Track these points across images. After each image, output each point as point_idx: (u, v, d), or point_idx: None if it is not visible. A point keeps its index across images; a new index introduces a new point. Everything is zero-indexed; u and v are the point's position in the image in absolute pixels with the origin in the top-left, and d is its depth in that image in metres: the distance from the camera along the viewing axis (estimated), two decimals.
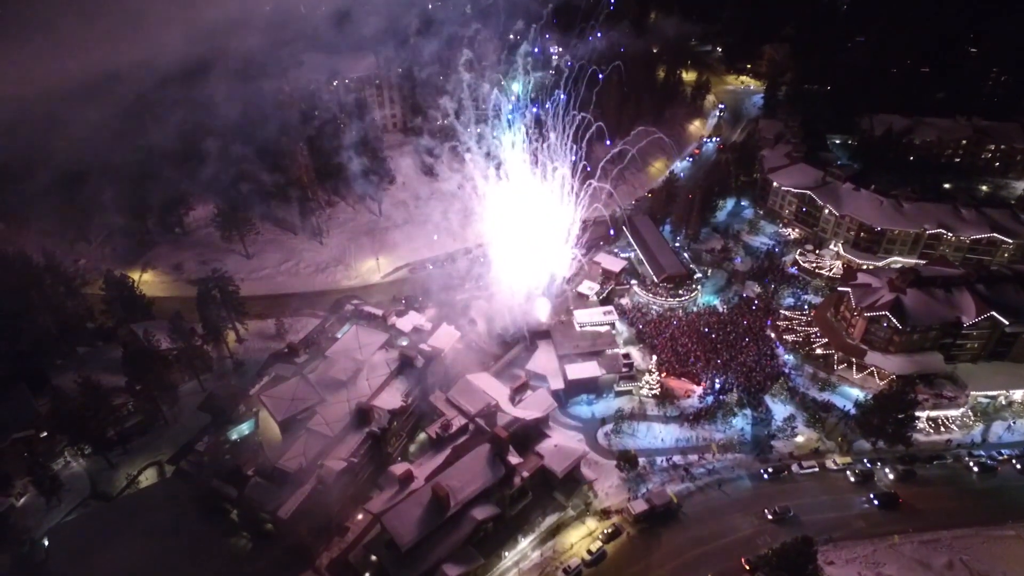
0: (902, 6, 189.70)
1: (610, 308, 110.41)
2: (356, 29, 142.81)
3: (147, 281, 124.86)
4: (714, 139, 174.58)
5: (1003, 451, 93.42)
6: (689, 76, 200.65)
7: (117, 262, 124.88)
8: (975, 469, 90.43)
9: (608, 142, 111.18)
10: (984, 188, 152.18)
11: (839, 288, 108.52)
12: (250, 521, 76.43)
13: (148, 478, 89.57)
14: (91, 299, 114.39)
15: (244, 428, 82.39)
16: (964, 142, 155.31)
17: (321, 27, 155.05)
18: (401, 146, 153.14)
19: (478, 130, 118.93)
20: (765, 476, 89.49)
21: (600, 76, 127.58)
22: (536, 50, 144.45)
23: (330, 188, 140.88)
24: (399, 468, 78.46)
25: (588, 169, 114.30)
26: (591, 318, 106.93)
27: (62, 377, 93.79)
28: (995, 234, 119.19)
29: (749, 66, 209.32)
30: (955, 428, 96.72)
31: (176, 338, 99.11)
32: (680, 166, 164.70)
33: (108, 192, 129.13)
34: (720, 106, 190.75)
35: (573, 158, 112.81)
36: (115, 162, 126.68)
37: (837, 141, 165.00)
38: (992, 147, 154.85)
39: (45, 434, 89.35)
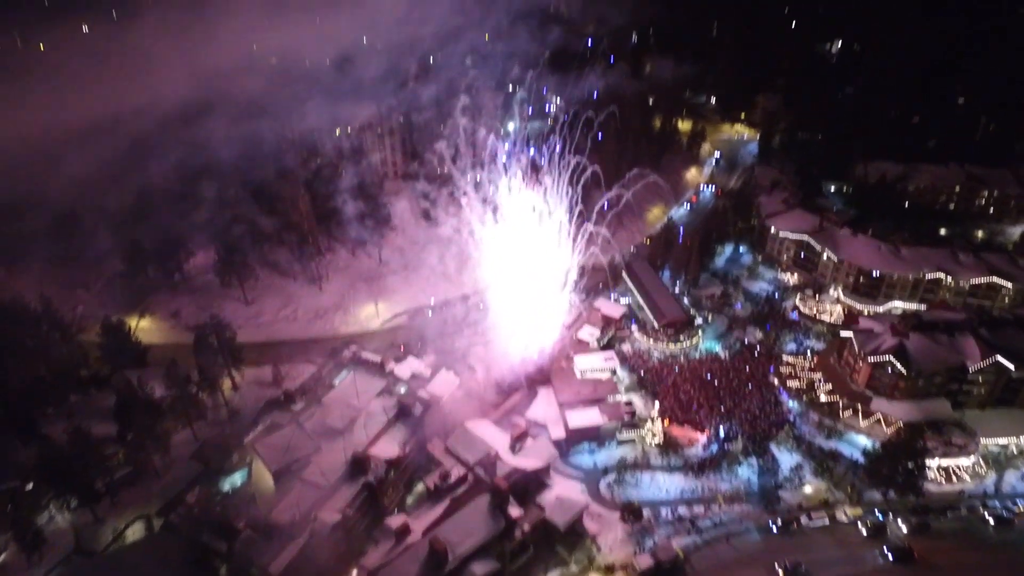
0: (887, 58, 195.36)
1: (611, 354, 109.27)
2: (359, 76, 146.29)
3: (144, 328, 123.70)
4: (711, 186, 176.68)
5: (1018, 501, 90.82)
6: (684, 125, 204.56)
7: (115, 308, 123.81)
8: (991, 521, 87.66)
9: (605, 194, 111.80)
10: (980, 233, 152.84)
11: (842, 333, 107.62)
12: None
13: (135, 532, 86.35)
14: (87, 346, 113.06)
15: (237, 479, 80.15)
16: (958, 188, 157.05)
17: (324, 76, 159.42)
18: (400, 192, 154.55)
19: (476, 176, 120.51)
20: (774, 529, 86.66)
21: (597, 123, 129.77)
22: (530, 107, 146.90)
23: (330, 234, 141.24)
24: (395, 521, 75.97)
25: (584, 214, 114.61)
26: (592, 364, 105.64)
27: (52, 426, 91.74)
28: (994, 278, 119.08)
29: (743, 115, 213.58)
30: (967, 477, 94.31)
31: (170, 385, 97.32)
32: (678, 213, 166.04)
33: (108, 238, 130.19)
34: (716, 154, 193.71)
35: (569, 203, 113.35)
36: (115, 207, 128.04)
37: (832, 188, 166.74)
38: (986, 193, 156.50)
39: (31, 486, 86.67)
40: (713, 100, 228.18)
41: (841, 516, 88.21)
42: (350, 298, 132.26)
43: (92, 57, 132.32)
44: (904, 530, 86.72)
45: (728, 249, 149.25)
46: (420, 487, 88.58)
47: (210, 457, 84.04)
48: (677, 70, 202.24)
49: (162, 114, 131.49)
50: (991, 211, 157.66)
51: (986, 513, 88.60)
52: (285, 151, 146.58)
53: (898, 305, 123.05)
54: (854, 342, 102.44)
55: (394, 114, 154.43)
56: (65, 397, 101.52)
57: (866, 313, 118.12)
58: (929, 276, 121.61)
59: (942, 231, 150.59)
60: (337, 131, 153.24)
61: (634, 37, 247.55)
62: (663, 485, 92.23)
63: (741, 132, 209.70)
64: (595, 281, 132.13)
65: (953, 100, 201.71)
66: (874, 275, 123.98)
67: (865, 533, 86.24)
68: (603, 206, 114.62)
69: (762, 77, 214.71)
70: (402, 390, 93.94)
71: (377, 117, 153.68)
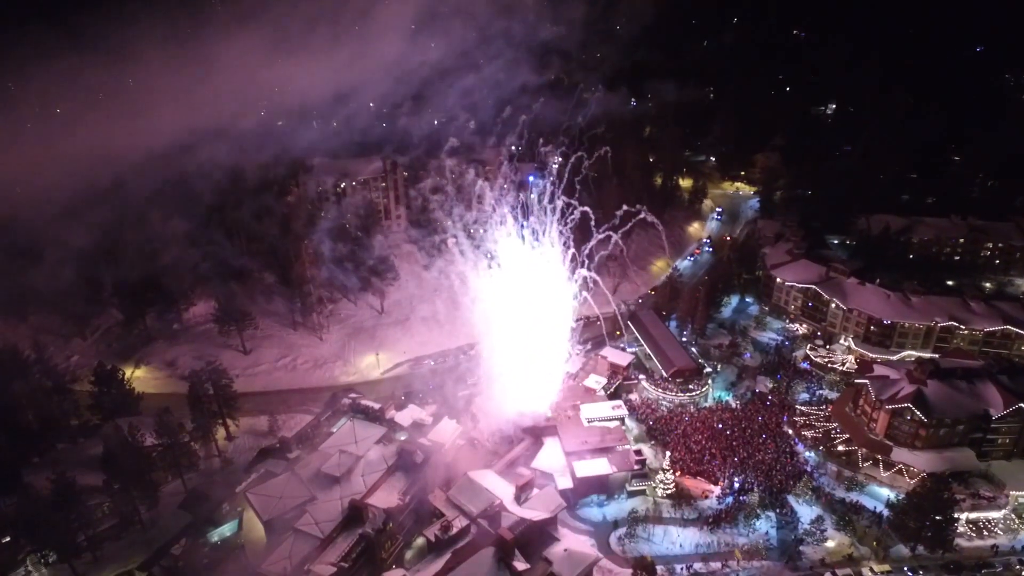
0: (883, 116, 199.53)
1: (619, 402, 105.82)
2: (360, 127, 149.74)
3: (139, 377, 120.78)
4: (707, 239, 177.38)
5: None
6: (685, 183, 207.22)
7: (111, 358, 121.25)
8: None
9: (596, 235, 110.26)
10: (988, 285, 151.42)
11: (856, 381, 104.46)
12: None
13: None
14: (79, 395, 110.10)
15: (226, 529, 75.65)
16: (962, 240, 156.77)
17: (331, 136, 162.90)
18: (403, 243, 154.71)
19: (472, 226, 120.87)
20: None
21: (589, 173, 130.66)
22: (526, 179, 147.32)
23: (331, 284, 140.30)
24: (394, 575, 70.98)
25: (576, 259, 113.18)
26: (599, 412, 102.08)
27: (35, 475, 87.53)
28: (1008, 326, 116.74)
29: (743, 173, 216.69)
30: (999, 532, 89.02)
31: (162, 433, 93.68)
32: (682, 265, 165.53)
33: (105, 288, 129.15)
34: (718, 209, 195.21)
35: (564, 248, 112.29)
36: (113, 257, 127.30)
37: (835, 241, 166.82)
38: (990, 245, 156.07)
39: (8, 539, 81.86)
40: (713, 159, 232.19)
41: (868, 573, 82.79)
42: (351, 348, 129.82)
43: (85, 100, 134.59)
44: None
45: (735, 300, 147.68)
46: (420, 541, 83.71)
47: (199, 506, 79.54)
48: (677, 134, 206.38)
49: (166, 165, 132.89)
50: (997, 263, 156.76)
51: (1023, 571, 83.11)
52: (293, 206, 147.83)
53: (912, 354, 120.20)
54: (870, 389, 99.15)
55: (397, 168, 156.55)
56: (52, 446, 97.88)
57: (879, 361, 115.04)
58: (942, 324, 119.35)
59: (949, 283, 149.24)
60: (342, 184, 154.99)
61: (633, 101, 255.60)
62: (677, 539, 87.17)
63: (741, 188, 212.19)
64: (598, 332, 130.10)
65: (950, 159, 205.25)
66: (885, 323, 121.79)
67: None
68: (603, 253, 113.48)
69: (759, 137, 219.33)
70: (402, 437, 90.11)
71: (383, 173, 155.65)
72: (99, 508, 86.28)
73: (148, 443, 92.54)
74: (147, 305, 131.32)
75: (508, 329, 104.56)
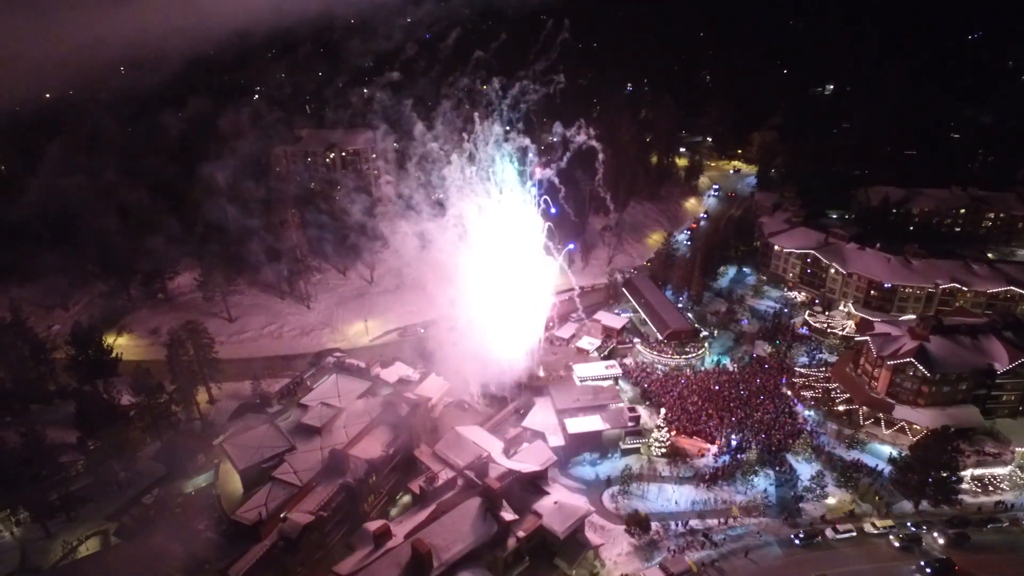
0: (880, 94, 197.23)
1: (613, 362, 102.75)
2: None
3: (121, 344, 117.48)
4: (704, 215, 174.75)
5: None
6: (682, 161, 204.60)
7: (92, 329, 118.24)
8: None
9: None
10: (990, 256, 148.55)
11: (857, 338, 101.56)
12: None
13: (90, 548, 77.68)
14: (58, 363, 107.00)
15: (200, 480, 72.53)
16: (963, 211, 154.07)
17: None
18: (394, 214, 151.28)
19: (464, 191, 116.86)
20: (796, 542, 77.99)
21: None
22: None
23: (320, 253, 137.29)
24: (374, 524, 67.77)
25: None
26: (592, 372, 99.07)
27: (6, 431, 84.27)
28: (1013, 287, 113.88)
29: (740, 151, 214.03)
30: (1005, 488, 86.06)
31: (139, 391, 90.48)
32: (679, 238, 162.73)
33: (91, 256, 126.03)
34: (715, 186, 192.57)
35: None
36: (97, 225, 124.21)
37: (834, 216, 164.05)
38: (991, 216, 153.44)
39: None
40: (709, 140, 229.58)
41: (869, 528, 79.64)
42: (339, 316, 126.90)
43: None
44: (941, 542, 78.06)
45: (731, 271, 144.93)
46: (406, 498, 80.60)
47: (173, 457, 76.29)
48: (672, 114, 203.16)
49: (155, 129, 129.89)
50: (998, 233, 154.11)
51: None
52: (281, 176, 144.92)
53: (912, 318, 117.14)
54: (871, 346, 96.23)
55: (388, 137, 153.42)
56: (26, 407, 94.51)
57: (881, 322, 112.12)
58: (944, 287, 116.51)
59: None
60: (331, 155, 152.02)
61: (629, 86, 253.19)
62: (672, 496, 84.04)
63: (738, 167, 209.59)
64: (592, 301, 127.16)
65: (948, 136, 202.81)
66: (886, 287, 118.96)
67: (898, 546, 77.55)
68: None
69: (756, 117, 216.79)
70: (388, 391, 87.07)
71: (371, 140, 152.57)
72: (72, 466, 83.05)
73: (124, 402, 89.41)
74: (131, 274, 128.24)
75: (495, 291, 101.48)
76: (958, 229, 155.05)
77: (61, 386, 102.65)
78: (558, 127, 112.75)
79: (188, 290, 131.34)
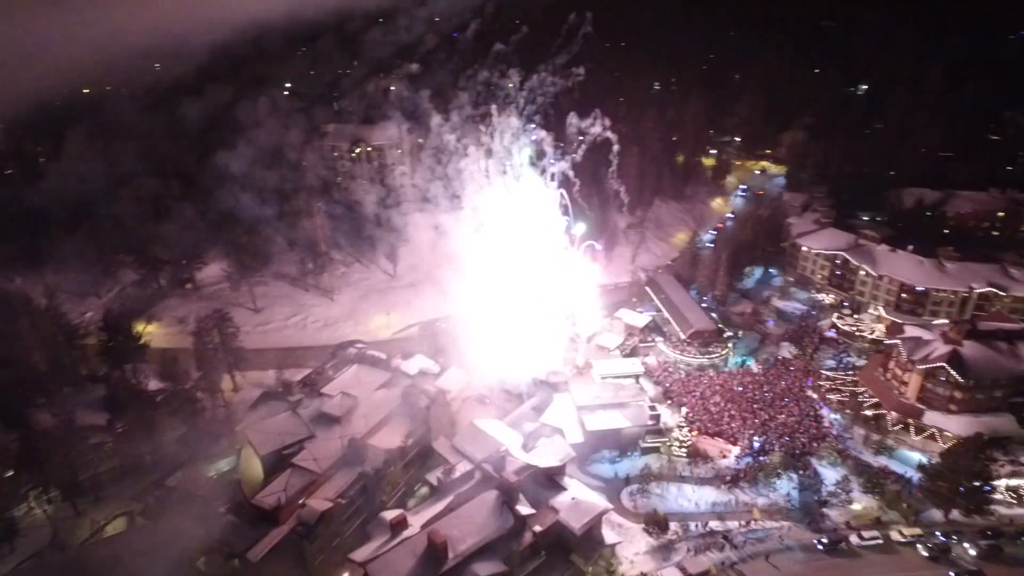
0: (917, 95, 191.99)
1: (635, 360, 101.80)
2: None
3: (150, 332, 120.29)
4: (731, 215, 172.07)
5: None
6: (709, 161, 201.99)
7: (124, 316, 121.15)
8: None
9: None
10: None
11: (886, 341, 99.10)
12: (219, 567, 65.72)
13: (116, 528, 79.56)
14: (90, 349, 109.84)
15: (223, 464, 73.64)
16: (1001, 214, 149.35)
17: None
18: (416, 208, 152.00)
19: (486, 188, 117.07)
20: (820, 547, 76.48)
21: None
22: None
23: (345, 247, 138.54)
24: (391, 513, 68.03)
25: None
26: (613, 369, 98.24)
27: (41, 414, 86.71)
28: None
29: (769, 151, 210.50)
30: None
31: (166, 377, 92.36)
32: (705, 238, 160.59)
33: (122, 247, 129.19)
34: (742, 186, 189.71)
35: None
36: (129, 216, 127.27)
37: (865, 218, 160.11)
38: None
39: (11, 473, 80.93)
40: (737, 140, 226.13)
41: (896, 536, 77.72)
42: (362, 309, 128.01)
43: None
44: (972, 554, 75.75)
45: (758, 272, 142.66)
46: (423, 489, 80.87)
47: (197, 441, 77.63)
48: (700, 113, 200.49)
49: (182, 126, 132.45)
50: None
51: None
52: (307, 169, 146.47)
53: (945, 322, 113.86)
54: (902, 350, 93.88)
55: (412, 134, 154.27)
56: (59, 389, 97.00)
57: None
58: (979, 291, 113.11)
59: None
60: (356, 150, 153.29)
61: (656, 84, 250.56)
62: (692, 497, 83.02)
63: (767, 167, 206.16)
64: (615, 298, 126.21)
65: (987, 139, 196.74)
66: (918, 290, 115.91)
67: (926, 555, 75.57)
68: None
69: (786, 117, 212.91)
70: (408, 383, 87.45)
71: (396, 136, 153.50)
72: (102, 449, 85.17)
73: (152, 387, 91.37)
74: (161, 264, 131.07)
75: (516, 289, 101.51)
76: (996, 233, 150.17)
77: (92, 371, 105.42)
78: (573, 118, 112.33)
79: (216, 280, 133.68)
